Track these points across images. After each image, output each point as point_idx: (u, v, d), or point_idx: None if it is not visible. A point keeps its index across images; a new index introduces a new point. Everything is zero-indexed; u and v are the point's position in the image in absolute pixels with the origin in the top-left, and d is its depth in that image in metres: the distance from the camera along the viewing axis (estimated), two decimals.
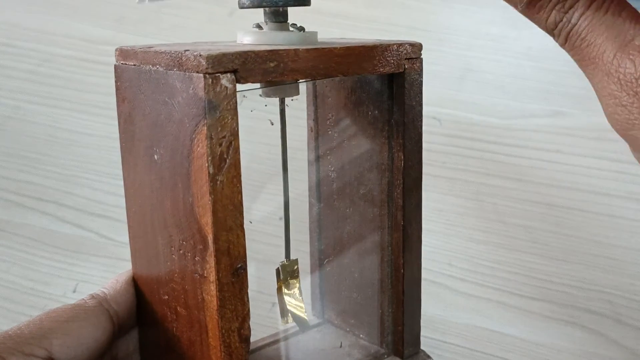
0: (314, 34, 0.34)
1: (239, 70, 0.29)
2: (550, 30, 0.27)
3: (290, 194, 0.39)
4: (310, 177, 0.42)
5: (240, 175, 0.29)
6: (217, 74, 0.28)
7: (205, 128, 0.28)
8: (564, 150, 0.62)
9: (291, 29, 0.34)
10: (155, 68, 0.31)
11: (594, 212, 0.60)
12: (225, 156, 0.28)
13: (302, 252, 0.43)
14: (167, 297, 0.33)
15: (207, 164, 0.28)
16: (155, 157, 0.32)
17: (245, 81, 0.29)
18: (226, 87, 0.28)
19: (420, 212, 0.37)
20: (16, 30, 0.77)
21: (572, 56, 0.27)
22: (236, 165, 0.29)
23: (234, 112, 0.29)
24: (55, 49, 0.75)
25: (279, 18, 0.34)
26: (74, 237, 0.63)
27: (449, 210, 0.63)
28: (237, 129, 0.29)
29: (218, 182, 0.28)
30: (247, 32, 0.34)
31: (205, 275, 0.30)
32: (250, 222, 0.30)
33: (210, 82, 0.28)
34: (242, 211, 0.29)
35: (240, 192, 0.29)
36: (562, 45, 0.27)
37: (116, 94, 0.34)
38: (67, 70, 0.74)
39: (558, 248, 0.59)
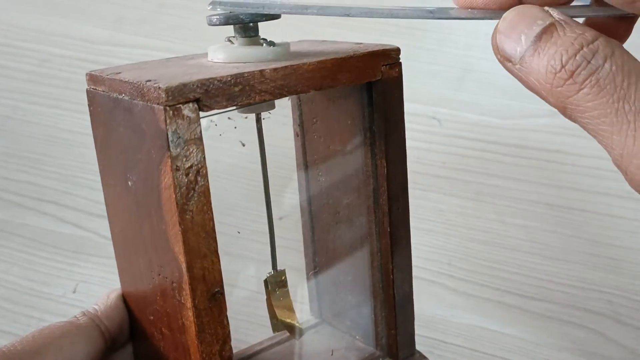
0: (286, 46, 0.33)
1: (201, 99, 0.28)
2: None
3: (284, 196, 0.39)
4: (300, 182, 0.42)
5: (210, 203, 0.29)
6: (178, 105, 0.27)
7: (170, 160, 0.27)
8: (564, 150, 0.62)
9: (261, 42, 0.33)
10: (121, 96, 0.30)
11: (594, 212, 0.60)
12: (192, 185, 0.28)
13: (299, 252, 0.43)
14: (152, 317, 0.33)
15: (174, 195, 0.28)
16: (129, 183, 0.31)
17: (210, 109, 0.28)
18: (189, 117, 0.28)
19: (408, 217, 0.37)
20: (16, 30, 0.77)
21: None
22: (205, 193, 0.29)
23: (199, 141, 0.28)
24: (55, 49, 0.75)
25: (248, 33, 0.33)
26: (74, 237, 0.63)
27: (449, 210, 0.63)
28: (204, 157, 0.28)
29: (187, 212, 0.28)
30: (217, 49, 0.33)
31: (182, 301, 0.30)
32: (239, 233, 0.30)
33: (171, 114, 0.27)
34: (215, 237, 0.29)
35: (212, 219, 0.29)
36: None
37: (90, 119, 0.33)
38: (67, 70, 0.74)
39: (558, 248, 0.59)
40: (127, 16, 0.75)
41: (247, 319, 0.50)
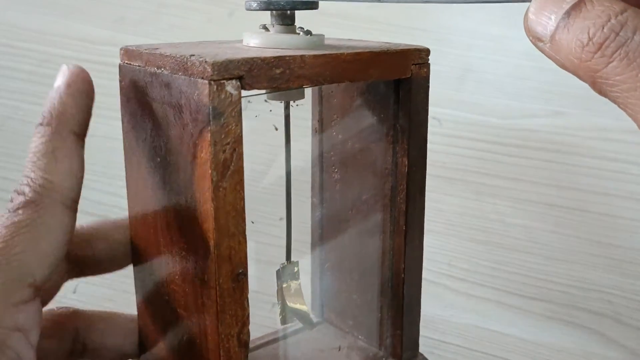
0: (321, 37, 0.34)
1: (244, 77, 0.28)
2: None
3: (294, 193, 0.39)
4: (313, 177, 0.42)
5: (243, 182, 0.29)
6: (222, 81, 0.27)
7: (209, 135, 0.28)
8: (564, 150, 0.62)
9: (298, 31, 0.33)
10: (160, 71, 0.30)
11: (594, 212, 0.60)
12: (228, 163, 0.28)
13: (302, 252, 0.43)
14: (167, 297, 0.33)
15: (210, 171, 0.28)
16: (159, 159, 0.31)
17: (251, 88, 0.29)
18: (231, 94, 0.28)
19: (423, 217, 0.37)
20: (16, 30, 0.77)
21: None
22: (239, 171, 0.29)
23: (238, 118, 0.28)
24: (55, 50, 0.75)
25: (286, 21, 0.33)
26: None
27: (449, 210, 0.63)
28: (242, 135, 0.28)
29: (221, 189, 0.28)
30: (253, 34, 0.33)
31: (206, 280, 0.30)
32: (252, 223, 0.30)
33: (215, 89, 0.27)
34: (245, 217, 0.29)
35: (243, 199, 0.29)
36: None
37: (120, 93, 0.34)
38: None
39: (558, 248, 0.59)
40: (127, 16, 0.75)
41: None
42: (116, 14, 0.76)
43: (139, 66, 0.32)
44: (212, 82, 0.27)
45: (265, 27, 0.34)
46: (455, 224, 0.62)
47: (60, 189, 0.30)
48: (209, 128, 0.27)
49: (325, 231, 0.42)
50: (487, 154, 0.64)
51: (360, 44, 0.36)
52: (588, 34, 0.24)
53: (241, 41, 0.34)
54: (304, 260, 0.44)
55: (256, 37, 0.33)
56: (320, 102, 0.40)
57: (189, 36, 0.72)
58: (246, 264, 0.30)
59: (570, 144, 0.62)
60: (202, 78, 0.27)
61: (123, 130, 0.34)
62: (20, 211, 0.29)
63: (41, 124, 0.30)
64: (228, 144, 0.28)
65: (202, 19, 0.72)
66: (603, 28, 0.24)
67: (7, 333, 0.27)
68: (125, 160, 0.35)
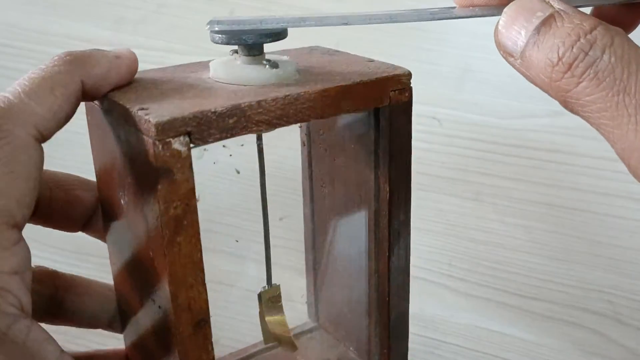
0: (291, 67, 0.32)
1: (192, 132, 0.27)
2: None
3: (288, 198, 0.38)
4: (304, 190, 0.42)
5: (198, 234, 0.28)
6: (167, 139, 0.26)
7: (158, 192, 0.27)
8: (563, 150, 0.62)
9: (264, 63, 0.31)
10: (114, 116, 0.29)
11: (594, 212, 0.60)
12: (181, 218, 0.28)
13: (299, 252, 0.43)
14: (145, 337, 0.34)
15: (161, 229, 0.27)
16: (122, 202, 0.31)
17: (202, 142, 0.27)
18: (179, 151, 0.27)
19: (409, 241, 0.36)
20: (16, 30, 0.77)
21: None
22: (193, 224, 0.28)
23: (188, 173, 0.27)
24: (55, 50, 0.75)
25: (252, 52, 0.31)
26: (74, 237, 0.63)
27: (449, 210, 0.63)
28: (193, 188, 0.28)
29: (175, 245, 0.28)
30: (218, 67, 0.32)
31: (168, 326, 0.30)
32: (237, 241, 0.30)
33: (160, 148, 0.26)
34: (202, 267, 0.29)
35: (200, 250, 0.29)
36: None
37: (88, 129, 0.33)
38: None
39: (558, 248, 0.59)
40: (127, 16, 0.75)
41: (246, 320, 0.50)
42: (116, 14, 0.76)
43: (98, 106, 0.31)
44: (157, 142, 0.26)
45: (236, 52, 0.32)
46: (455, 224, 0.62)
47: (33, 117, 0.28)
48: (158, 186, 0.27)
49: (317, 243, 0.42)
50: (487, 154, 0.64)
51: (338, 66, 0.34)
52: (558, 53, 0.24)
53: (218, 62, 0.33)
54: (300, 263, 0.44)
55: (221, 71, 0.31)
56: None
57: (189, 36, 0.72)
58: (207, 311, 0.30)
59: (570, 144, 0.62)
60: (148, 136, 0.26)
61: (94, 162, 0.34)
62: None
63: (58, 56, 0.30)
64: (179, 199, 0.27)
65: (202, 19, 0.72)
66: (572, 48, 0.24)
67: (4, 277, 0.27)
68: (98, 191, 0.34)
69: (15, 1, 0.79)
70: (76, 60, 0.30)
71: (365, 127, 0.35)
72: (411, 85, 0.33)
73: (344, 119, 0.37)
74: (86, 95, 0.30)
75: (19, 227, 0.28)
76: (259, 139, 0.36)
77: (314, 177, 0.41)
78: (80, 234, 0.64)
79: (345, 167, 0.37)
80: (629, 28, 0.29)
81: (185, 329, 0.29)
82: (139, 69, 0.32)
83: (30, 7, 0.79)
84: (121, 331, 0.37)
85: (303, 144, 0.41)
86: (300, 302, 0.45)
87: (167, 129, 0.26)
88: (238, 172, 0.37)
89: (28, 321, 0.27)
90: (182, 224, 0.28)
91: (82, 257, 0.61)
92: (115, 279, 0.36)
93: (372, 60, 0.35)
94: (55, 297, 0.36)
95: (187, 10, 0.73)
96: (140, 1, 0.75)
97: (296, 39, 0.37)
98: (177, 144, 0.27)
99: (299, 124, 0.40)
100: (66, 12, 0.77)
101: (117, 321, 0.37)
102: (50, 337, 0.28)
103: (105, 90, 0.30)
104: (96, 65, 0.30)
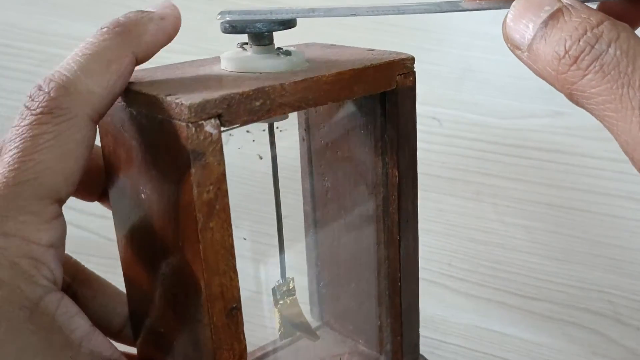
0: (301, 55, 0.32)
1: (223, 114, 0.27)
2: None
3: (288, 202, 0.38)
4: (304, 187, 0.42)
5: (229, 219, 0.28)
6: (200, 122, 0.26)
7: (191, 176, 0.27)
8: (564, 150, 0.62)
9: (276, 52, 0.32)
10: (136, 109, 0.29)
11: (594, 212, 0.60)
12: (214, 203, 0.27)
13: (299, 252, 0.43)
14: (163, 330, 0.33)
15: (195, 212, 0.27)
16: (143, 196, 0.30)
17: (231, 124, 0.28)
18: (211, 134, 0.27)
19: (417, 226, 0.37)
20: (16, 30, 0.77)
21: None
22: (225, 209, 0.28)
23: (220, 156, 0.27)
24: (55, 49, 0.75)
25: (263, 41, 0.32)
26: (74, 237, 0.63)
27: (449, 210, 0.63)
28: (224, 172, 0.28)
29: (208, 230, 0.28)
30: (230, 59, 0.32)
31: (199, 318, 0.29)
32: (245, 239, 0.30)
33: (193, 131, 0.26)
34: (234, 253, 0.29)
35: (231, 235, 0.28)
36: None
37: (99, 128, 0.32)
38: None
39: (558, 248, 0.59)
40: None
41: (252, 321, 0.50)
42: (116, 14, 0.76)
43: (116, 102, 0.30)
44: (190, 124, 0.26)
45: (243, 47, 0.33)
46: (455, 224, 0.62)
47: (90, 96, 0.28)
48: (191, 170, 0.26)
49: (320, 239, 0.42)
50: (487, 154, 0.64)
51: (342, 56, 0.35)
52: (564, 46, 0.25)
53: (220, 60, 0.33)
54: (302, 261, 0.44)
55: (234, 62, 0.32)
56: (306, 111, 0.39)
57: (189, 36, 0.72)
58: (239, 298, 0.30)
59: (570, 144, 0.62)
60: (179, 120, 0.26)
61: (104, 161, 0.33)
62: (43, 118, 0.27)
63: (107, 28, 0.30)
64: (212, 184, 0.27)
65: (202, 18, 0.73)
66: (579, 41, 0.24)
67: (42, 250, 0.27)
68: (109, 193, 0.34)
69: (15, 1, 0.79)
70: (126, 32, 0.30)
71: (370, 115, 0.35)
72: (414, 70, 0.34)
73: (346, 110, 0.37)
74: (136, 64, 0.30)
75: (61, 203, 0.28)
76: (272, 132, 0.36)
77: (314, 172, 0.41)
78: (79, 232, 0.64)
79: (349, 158, 0.38)
80: (634, 24, 0.30)
81: (218, 318, 0.29)
82: (144, 68, 0.32)
83: (30, 7, 0.78)
84: (130, 342, 0.37)
85: (302, 139, 0.41)
86: (303, 302, 0.44)
87: (199, 111, 0.26)
88: (261, 158, 0.37)
89: (59, 294, 0.28)
90: (215, 208, 0.28)
91: (82, 256, 0.61)
92: (127, 276, 0.35)
93: (372, 50, 0.35)
94: (71, 288, 0.35)
95: (187, 10, 0.73)
96: (140, 1, 0.75)
97: (295, 39, 0.37)
98: (209, 126, 0.27)
99: (298, 124, 0.41)
100: (66, 12, 0.77)
101: (128, 330, 0.36)
102: (81, 311, 0.29)
103: (153, 54, 0.30)
104: (145, 33, 0.30)
